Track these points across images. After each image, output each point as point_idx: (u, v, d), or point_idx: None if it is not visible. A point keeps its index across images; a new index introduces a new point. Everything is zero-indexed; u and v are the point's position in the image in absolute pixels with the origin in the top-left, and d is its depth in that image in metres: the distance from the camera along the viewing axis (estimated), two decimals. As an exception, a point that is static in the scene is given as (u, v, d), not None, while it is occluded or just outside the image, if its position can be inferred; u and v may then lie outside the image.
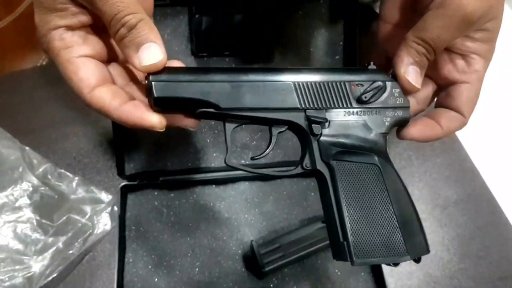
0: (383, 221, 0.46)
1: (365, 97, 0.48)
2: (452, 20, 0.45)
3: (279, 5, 0.73)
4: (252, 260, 0.70)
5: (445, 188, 0.79)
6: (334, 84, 0.48)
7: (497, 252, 0.74)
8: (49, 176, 0.74)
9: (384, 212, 0.46)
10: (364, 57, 0.73)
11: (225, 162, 0.48)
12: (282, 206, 0.76)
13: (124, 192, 0.74)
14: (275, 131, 0.49)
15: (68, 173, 0.75)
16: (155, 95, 0.45)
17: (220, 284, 0.69)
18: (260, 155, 0.50)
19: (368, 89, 0.48)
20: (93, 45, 0.46)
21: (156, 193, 0.75)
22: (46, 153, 0.77)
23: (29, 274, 0.66)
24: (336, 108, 0.48)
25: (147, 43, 0.43)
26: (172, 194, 0.76)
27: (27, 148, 0.75)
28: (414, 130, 0.51)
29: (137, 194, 0.75)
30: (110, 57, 0.49)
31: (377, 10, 0.85)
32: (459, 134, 0.83)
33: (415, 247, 0.47)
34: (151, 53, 0.43)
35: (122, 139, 0.72)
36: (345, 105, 0.48)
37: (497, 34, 0.49)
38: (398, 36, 0.52)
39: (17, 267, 0.67)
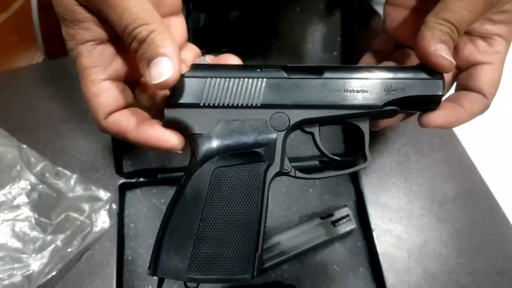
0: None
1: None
2: (475, 0, 0.43)
3: (276, 2, 0.73)
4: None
5: (443, 183, 0.79)
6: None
7: (495, 247, 0.74)
8: (47, 174, 0.74)
9: None
10: (362, 53, 0.73)
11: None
12: (281, 203, 0.76)
13: (123, 190, 0.74)
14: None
15: (66, 171, 0.75)
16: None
17: (220, 281, 0.69)
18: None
19: None
20: (122, 62, 0.44)
21: (154, 190, 0.75)
22: (43, 151, 0.76)
23: (28, 273, 0.66)
24: None
25: (156, 57, 0.39)
26: (170, 191, 0.75)
27: (24, 146, 0.75)
28: (437, 117, 0.47)
29: (135, 191, 0.75)
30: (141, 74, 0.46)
31: (375, 7, 0.85)
32: (456, 129, 0.83)
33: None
34: (161, 69, 0.39)
35: (120, 136, 0.72)
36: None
37: None
38: (408, 20, 0.50)
39: (16, 265, 0.66)
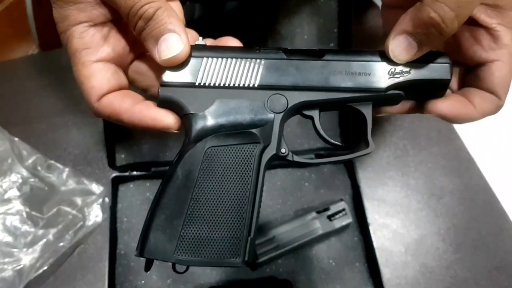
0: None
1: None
2: None
3: (272, -8, 0.72)
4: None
5: (441, 177, 0.78)
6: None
7: (493, 242, 0.73)
8: (39, 168, 0.73)
9: None
10: (358, 45, 0.72)
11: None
12: (276, 197, 0.75)
13: (115, 183, 0.73)
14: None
15: (58, 165, 0.74)
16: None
17: (212, 275, 0.69)
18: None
19: None
20: (114, 45, 0.43)
21: (147, 184, 0.74)
22: (35, 144, 0.75)
23: (19, 267, 0.65)
24: None
25: (165, 34, 0.40)
26: (164, 185, 0.75)
27: (16, 139, 0.74)
28: (444, 105, 0.44)
29: (128, 185, 0.74)
30: (137, 53, 0.46)
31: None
32: (455, 123, 0.82)
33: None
34: (170, 44, 0.40)
35: (112, 129, 0.71)
36: None
37: None
38: None
39: (6, 259, 0.66)
